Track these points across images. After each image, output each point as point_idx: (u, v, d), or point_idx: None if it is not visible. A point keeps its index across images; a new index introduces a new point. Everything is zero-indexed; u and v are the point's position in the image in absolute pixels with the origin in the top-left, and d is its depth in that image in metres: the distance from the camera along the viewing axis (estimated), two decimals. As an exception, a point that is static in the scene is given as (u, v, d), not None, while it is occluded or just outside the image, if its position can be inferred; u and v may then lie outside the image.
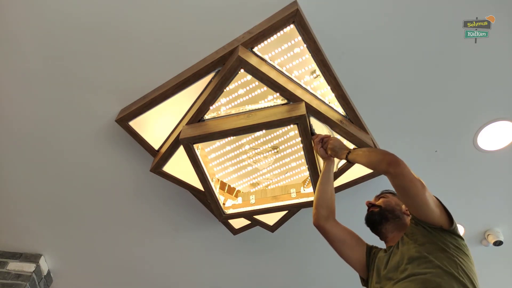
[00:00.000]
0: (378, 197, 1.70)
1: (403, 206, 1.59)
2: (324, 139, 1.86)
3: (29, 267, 2.95)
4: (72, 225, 2.90)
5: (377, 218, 1.58)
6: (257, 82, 2.08)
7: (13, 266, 2.94)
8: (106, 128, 2.37)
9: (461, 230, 2.80)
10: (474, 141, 2.44)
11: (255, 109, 2.12)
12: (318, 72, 2.07)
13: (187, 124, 2.14)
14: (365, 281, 1.55)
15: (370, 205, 1.65)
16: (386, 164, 1.36)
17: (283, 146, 2.37)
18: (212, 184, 2.33)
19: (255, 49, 2.02)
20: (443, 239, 1.33)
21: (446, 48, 2.10)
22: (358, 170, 2.48)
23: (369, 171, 2.50)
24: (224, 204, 2.51)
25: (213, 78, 2.11)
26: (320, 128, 2.19)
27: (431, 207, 1.34)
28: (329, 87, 2.11)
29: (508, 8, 1.95)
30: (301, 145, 2.19)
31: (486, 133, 2.41)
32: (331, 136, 1.87)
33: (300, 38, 1.95)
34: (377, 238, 1.64)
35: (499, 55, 2.12)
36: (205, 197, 2.53)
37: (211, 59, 2.05)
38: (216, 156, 2.40)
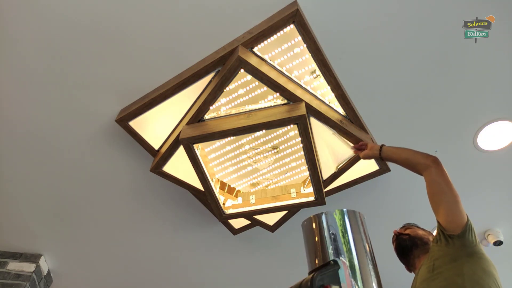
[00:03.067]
0: (404, 228, 1.73)
1: (430, 238, 1.64)
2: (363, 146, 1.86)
3: (29, 267, 2.95)
4: (72, 225, 2.90)
5: (408, 243, 1.62)
6: (257, 82, 2.08)
7: (13, 266, 2.94)
8: (106, 128, 2.37)
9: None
10: (474, 141, 2.44)
11: (255, 109, 2.12)
12: (318, 72, 2.07)
13: (187, 124, 2.14)
14: None
15: (399, 234, 1.69)
16: (431, 161, 1.48)
17: (283, 146, 2.37)
18: (212, 184, 2.33)
19: (255, 49, 2.02)
20: (457, 249, 1.38)
21: (446, 48, 2.10)
22: (358, 170, 2.48)
23: (369, 170, 2.50)
24: (224, 204, 2.51)
25: (213, 78, 2.11)
26: (321, 129, 2.19)
27: (460, 206, 1.43)
28: (329, 87, 2.11)
29: (508, 8, 1.95)
30: (301, 145, 2.19)
31: (486, 133, 2.41)
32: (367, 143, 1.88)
33: (300, 38, 1.95)
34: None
35: (499, 55, 2.12)
36: (205, 197, 2.53)
37: (211, 59, 2.05)
38: (216, 156, 2.40)
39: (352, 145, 2.19)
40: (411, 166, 1.57)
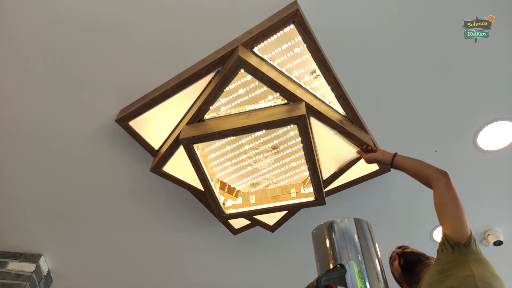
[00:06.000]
0: (402, 248, 1.77)
1: (428, 256, 1.71)
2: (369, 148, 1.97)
3: (29, 267, 2.95)
4: (72, 225, 2.90)
5: (415, 258, 1.68)
6: (257, 82, 2.08)
7: (13, 266, 2.94)
8: (106, 128, 2.37)
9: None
10: (474, 141, 2.44)
11: (255, 109, 2.12)
12: (318, 72, 2.07)
13: (187, 124, 2.14)
14: None
15: (402, 252, 1.73)
16: (442, 174, 1.54)
17: (283, 146, 2.37)
18: (212, 184, 2.33)
19: (255, 49, 2.02)
20: (464, 255, 1.42)
21: (446, 48, 2.10)
22: (358, 170, 2.48)
23: (369, 170, 2.50)
24: (224, 204, 2.51)
25: (213, 78, 2.11)
26: (321, 129, 2.19)
27: (465, 220, 1.47)
28: (329, 87, 2.11)
29: (508, 8, 1.95)
30: (301, 145, 2.19)
31: (486, 133, 2.41)
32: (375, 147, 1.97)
33: (300, 38, 1.95)
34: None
35: (499, 55, 2.12)
36: (205, 197, 2.53)
37: (211, 59, 2.05)
38: (216, 156, 2.40)
39: (356, 147, 2.20)
40: (422, 177, 1.62)
